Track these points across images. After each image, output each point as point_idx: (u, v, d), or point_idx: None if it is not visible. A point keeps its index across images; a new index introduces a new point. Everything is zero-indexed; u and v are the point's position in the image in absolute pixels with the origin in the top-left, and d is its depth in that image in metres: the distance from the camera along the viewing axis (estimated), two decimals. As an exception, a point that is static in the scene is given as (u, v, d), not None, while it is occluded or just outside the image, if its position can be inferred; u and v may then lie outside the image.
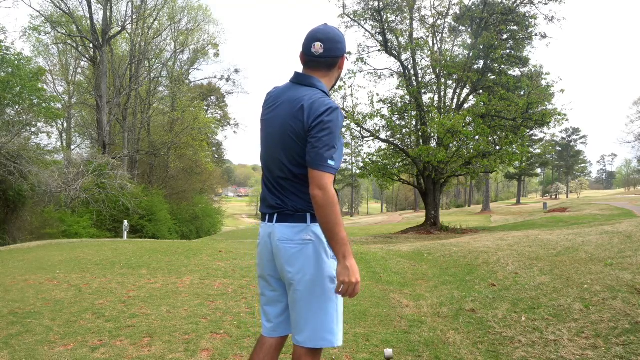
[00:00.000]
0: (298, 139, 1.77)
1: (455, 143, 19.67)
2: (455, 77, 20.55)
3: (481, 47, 19.53)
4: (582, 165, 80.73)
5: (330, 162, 1.70)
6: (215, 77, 44.33)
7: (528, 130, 21.27)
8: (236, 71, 43.40)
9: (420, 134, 20.63)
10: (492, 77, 21.21)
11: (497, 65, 21.04)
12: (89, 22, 23.63)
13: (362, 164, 22.45)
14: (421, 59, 21.70)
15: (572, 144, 75.05)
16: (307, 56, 1.87)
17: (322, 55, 1.85)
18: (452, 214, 44.75)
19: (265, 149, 1.92)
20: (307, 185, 1.77)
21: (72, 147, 31.94)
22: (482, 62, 20.92)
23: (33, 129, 17.71)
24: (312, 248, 1.79)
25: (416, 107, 20.46)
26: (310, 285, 1.79)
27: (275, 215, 1.85)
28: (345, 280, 1.69)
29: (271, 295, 1.96)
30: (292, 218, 1.82)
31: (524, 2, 20.21)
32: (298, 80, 1.89)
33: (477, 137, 19.41)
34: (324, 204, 1.67)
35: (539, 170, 74.99)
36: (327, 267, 1.80)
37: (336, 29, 1.91)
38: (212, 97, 42.23)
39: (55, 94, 28.11)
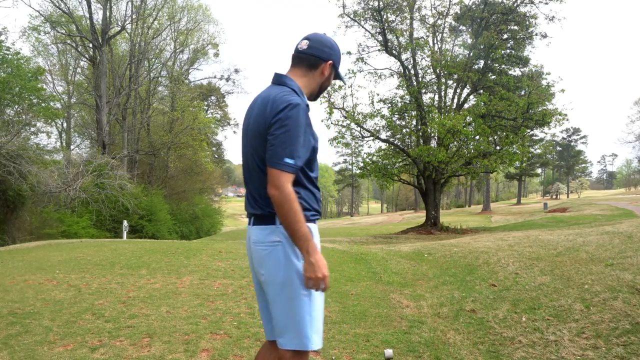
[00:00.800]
0: (262, 138, 1.76)
1: (455, 143, 19.66)
2: (455, 76, 20.54)
3: (481, 46, 19.52)
4: (583, 165, 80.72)
5: (287, 160, 1.68)
6: (215, 77, 44.38)
7: (528, 130, 21.26)
8: (236, 71, 43.55)
9: (420, 134, 20.62)
10: (493, 77, 21.20)
11: (497, 65, 21.04)
12: (88, 21, 23.63)
13: (362, 164, 22.44)
14: (421, 59, 21.71)
15: (572, 144, 75.03)
16: (293, 53, 1.92)
17: (305, 51, 1.88)
18: (453, 214, 44.77)
19: (244, 153, 1.93)
20: None
21: (72, 147, 31.96)
22: (482, 61, 20.91)
23: (32, 129, 17.72)
24: (280, 250, 1.77)
25: (416, 107, 20.45)
26: (280, 288, 1.77)
27: (252, 218, 1.86)
28: (312, 276, 1.68)
29: (261, 299, 1.96)
30: (264, 220, 1.81)
31: (525, 1, 20.19)
32: (274, 80, 1.91)
33: (477, 137, 19.41)
34: (280, 203, 1.66)
35: (539, 170, 74.98)
36: (297, 269, 1.75)
37: (332, 39, 1.93)
38: (212, 97, 42.22)
39: (54, 93, 28.12)
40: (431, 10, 22.60)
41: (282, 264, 1.76)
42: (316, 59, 1.89)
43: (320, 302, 1.83)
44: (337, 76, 2.00)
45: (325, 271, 1.69)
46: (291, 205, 1.66)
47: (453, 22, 22.06)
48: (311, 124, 1.81)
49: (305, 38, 1.90)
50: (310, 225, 1.80)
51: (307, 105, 1.84)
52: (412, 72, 21.43)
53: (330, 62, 1.91)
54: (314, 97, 1.98)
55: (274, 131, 1.71)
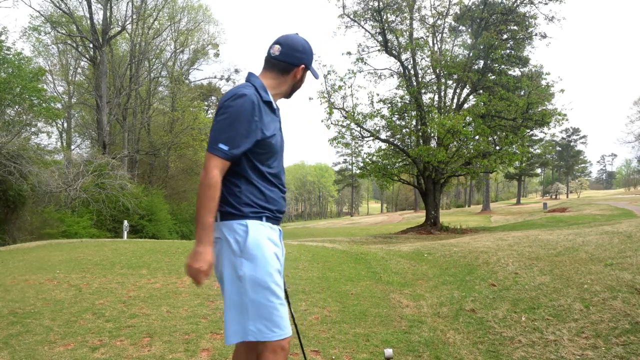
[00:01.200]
0: None
1: (455, 143, 19.68)
2: (455, 77, 20.55)
3: (481, 47, 19.53)
4: (582, 165, 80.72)
5: (221, 145, 1.70)
6: (215, 77, 44.32)
7: (528, 130, 21.28)
8: (236, 71, 43.25)
9: (420, 134, 20.63)
10: (492, 77, 21.20)
11: (497, 65, 21.04)
12: (89, 22, 23.64)
13: (362, 164, 22.45)
14: (421, 59, 21.73)
15: (572, 144, 75.03)
16: (266, 56, 1.92)
17: (276, 57, 1.88)
18: (452, 214, 44.79)
19: None
20: (225, 184, 1.77)
21: (72, 147, 31.99)
22: (482, 62, 20.92)
23: (33, 129, 17.70)
24: (219, 247, 1.79)
25: (416, 107, 20.46)
26: (222, 284, 1.81)
27: None
28: (189, 264, 1.70)
29: None
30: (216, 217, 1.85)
31: (524, 2, 20.21)
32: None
33: (477, 137, 19.42)
34: (200, 184, 1.70)
35: (539, 170, 74.99)
36: (232, 266, 1.75)
37: (304, 40, 1.93)
38: (213, 97, 42.18)
39: (55, 94, 28.15)
40: (431, 10, 22.62)
41: (221, 260, 1.79)
42: (288, 65, 1.89)
43: (249, 299, 1.74)
44: (310, 71, 2.00)
45: (204, 265, 1.69)
46: (205, 190, 1.68)
47: (453, 23, 22.07)
48: (263, 118, 1.78)
49: (277, 42, 1.88)
50: (252, 222, 1.77)
51: (269, 102, 1.84)
52: (412, 72, 21.44)
53: (302, 65, 1.91)
54: (286, 96, 1.99)
55: (216, 117, 1.75)
